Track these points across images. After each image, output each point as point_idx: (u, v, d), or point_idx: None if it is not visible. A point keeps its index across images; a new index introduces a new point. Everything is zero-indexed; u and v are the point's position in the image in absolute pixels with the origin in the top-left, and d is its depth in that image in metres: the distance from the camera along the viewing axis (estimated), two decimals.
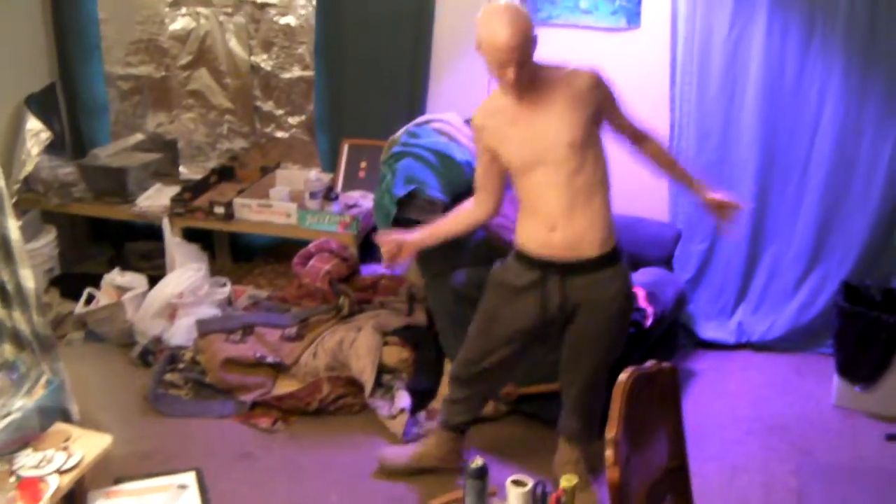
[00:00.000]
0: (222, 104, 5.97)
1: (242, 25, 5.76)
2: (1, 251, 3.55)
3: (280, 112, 5.89)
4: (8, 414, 3.47)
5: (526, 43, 3.32)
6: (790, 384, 4.91)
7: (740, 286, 5.25)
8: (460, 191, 4.48)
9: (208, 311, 5.12)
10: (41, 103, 5.72)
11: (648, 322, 4.34)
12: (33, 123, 5.45)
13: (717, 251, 5.22)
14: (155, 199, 5.63)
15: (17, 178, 5.45)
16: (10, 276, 3.58)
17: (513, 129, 3.51)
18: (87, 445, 3.41)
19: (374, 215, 4.70)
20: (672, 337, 4.94)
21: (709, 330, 5.26)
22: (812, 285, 5.10)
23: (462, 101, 5.26)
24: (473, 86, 5.29)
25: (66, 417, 3.74)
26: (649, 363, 2.67)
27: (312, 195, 5.35)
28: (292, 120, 5.89)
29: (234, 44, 5.81)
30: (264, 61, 5.80)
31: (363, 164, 5.65)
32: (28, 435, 3.45)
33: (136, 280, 5.31)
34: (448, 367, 4.60)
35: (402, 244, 3.78)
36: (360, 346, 4.58)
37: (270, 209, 5.39)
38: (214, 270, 5.60)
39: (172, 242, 5.38)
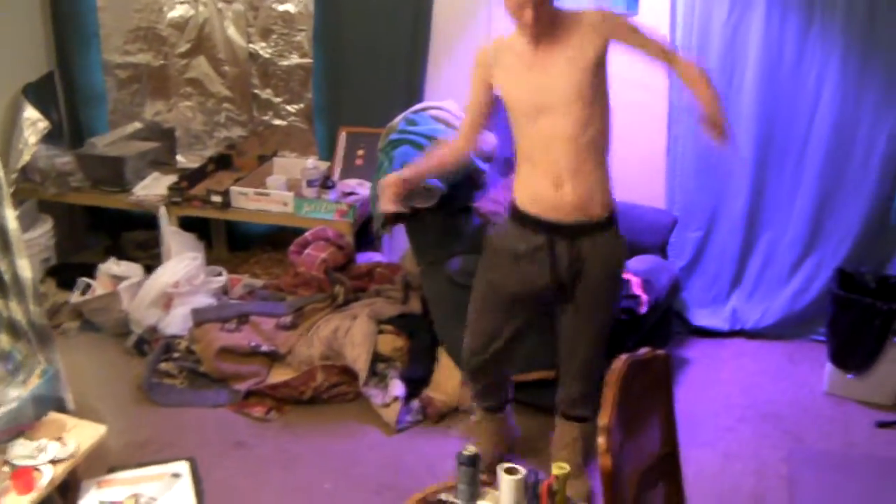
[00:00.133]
0: (220, 92, 5.97)
1: (241, 13, 5.75)
2: None
3: (278, 100, 5.89)
4: (3, 403, 3.48)
5: None
6: (783, 371, 4.93)
7: (734, 273, 5.26)
8: (458, 178, 4.49)
9: (204, 300, 5.13)
10: (39, 92, 5.72)
11: (643, 309, 4.35)
12: (31, 112, 5.45)
13: (712, 238, 5.22)
14: (152, 187, 5.64)
15: (15, 168, 5.45)
16: (7, 265, 3.59)
17: (526, 73, 3.48)
18: (82, 435, 3.42)
19: (370, 203, 4.70)
20: (666, 324, 4.95)
21: (703, 317, 5.27)
22: (806, 272, 5.11)
23: (460, 89, 5.21)
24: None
25: (60, 407, 3.75)
26: (643, 350, 2.68)
27: (309, 183, 5.36)
28: (290, 108, 5.88)
29: (232, 31, 5.80)
30: (263, 49, 5.79)
31: (360, 152, 5.65)
32: (23, 424, 3.45)
33: (131, 269, 5.32)
34: (442, 354, 4.62)
35: (398, 180, 3.78)
36: (354, 334, 4.58)
37: (267, 197, 5.39)
38: (210, 259, 5.61)
39: (169, 231, 5.38)
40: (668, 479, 2.81)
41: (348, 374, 4.58)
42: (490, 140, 4.69)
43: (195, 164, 5.87)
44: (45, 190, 5.62)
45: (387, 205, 3.78)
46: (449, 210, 4.47)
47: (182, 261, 5.20)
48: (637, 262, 4.66)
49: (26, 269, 3.62)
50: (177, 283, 5.08)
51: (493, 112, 3.69)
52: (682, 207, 5.17)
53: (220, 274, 5.40)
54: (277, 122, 5.93)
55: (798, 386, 4.78)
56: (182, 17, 5.86)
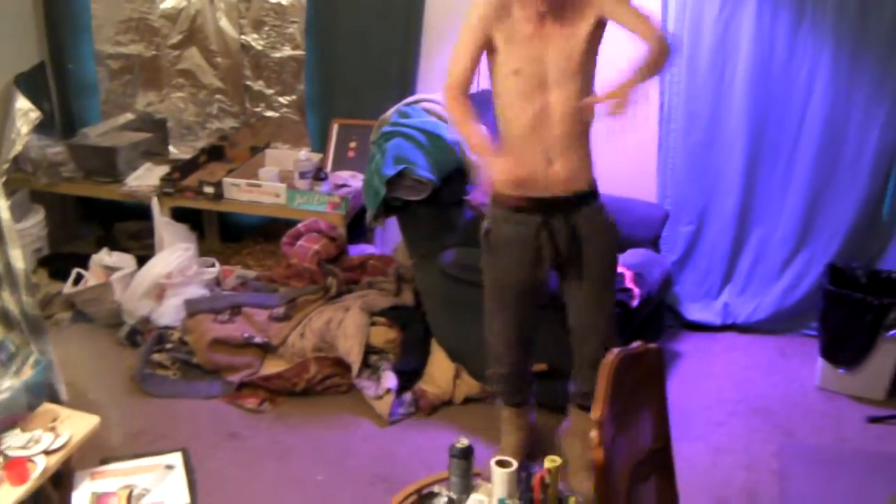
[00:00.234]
0: (212, 83, 5.96)
1: (233, 4, 5.74)
2: None
3: (270, 91, 5.89)
4: None
5: None
6: (775, 366, 4.94)
7: (726, 268, 5.27)
8: (450, 171, 4.49)
9: (196, 291, 5.13)
10: (31, 82, 5.70)
11: (635, 303, 4.36)
12: (23, 103, 5.43)
13: (704, 233, 5.23)
14: (144, 178, 5.62)
15: (7, 158, 5.43)
16: (0, 256, 3.58)
17: (531, 44, 3.44)
18: (75, 426, 3.41)
19: (363, 195, 4.70)
20: (658, 318, 4.96)
21: (695, 311, 5.28)
22: (798, 267, 5.12)
23: None
24: None
25: (53, 398, 3.74)
26: (635, 344, 2.68)
27: (302, 175, 5.35)
28: (282, 99, 5.88)
29: (224, 22, 5.80)
30: (255, 40, 5.78)
31: (353, 144, 5.65)
32: (16, 415, 3.44)
33: (124, 260, 5.32)
34: (435, 347, 4.63)
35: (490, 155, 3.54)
36: (347, 326, 4.59)
37: (259, 189, 5.39)
38: (203, 250, 5.60)
39: (161, 222, 5.37)
40: (660, 472, 2.82)
41: (341, 365, 4.58)
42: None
43: (187, 156, 5.86)
44: (36, 180, 5.61)
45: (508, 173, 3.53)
46: (441, 203, 4.48)
47: (174, 252, 5.20)
48: (629, 256, 4.67)
49: (18, 259, 3.61)
50: (169, 274, 5.07)
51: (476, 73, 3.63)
52: (674, 202, 5.18)
53: (212, 265, 5.40)
54: (270, 113, 5.93)
55: (789, 380, 4.80)
56: (174, 8, 5.85)
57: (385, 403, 4.41)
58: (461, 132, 3.64)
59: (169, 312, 4.99)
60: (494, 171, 3.44)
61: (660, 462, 2.81)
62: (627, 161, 4.99)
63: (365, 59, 5.56)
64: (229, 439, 4.27)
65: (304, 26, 5.64)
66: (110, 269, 5.23)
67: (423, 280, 4.64)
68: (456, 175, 4.57)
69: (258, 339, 4.72)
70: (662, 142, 5.14)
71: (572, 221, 3.60)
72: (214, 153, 5.88)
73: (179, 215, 5.54)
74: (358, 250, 5.40)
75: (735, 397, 4.64)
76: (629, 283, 4.40)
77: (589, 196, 3.64)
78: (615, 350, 2.56)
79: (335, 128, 5.68)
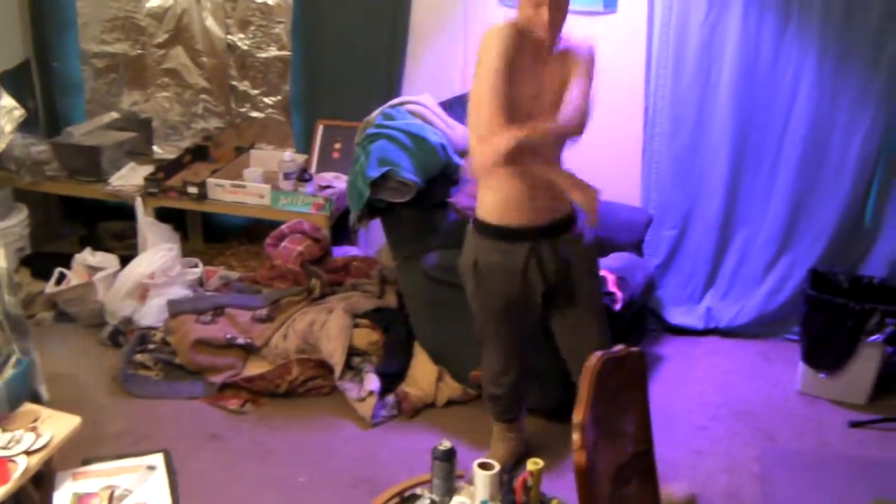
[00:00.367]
0: (198, 83, 5.95)
1: (219, 4, 5.72)
2: None
3: (256, 92, 5.88)
4: None
5: None
6: (757, 370, 4.95)
7: (709, 272, 5.28)
8: (434, 173, 4.50)
9: (179, 291, 5.12)
10: (15, 80, 5.67)
11: (617, 307, 4.36)
12: (6, 101, 5.39)
13: (688, 237, 5.24)
14: (128, 178, 5.62)
15: None
16: None
17: (527, 79, 3.45)
18: (56, 426, 3.40)
19: (347, 197, 4.70)
20: (641, 322, 4.97)
21: (677, 315, 5.29)
22: (780, 272, 5.13)
23: (438, 83, 5.27)
24: (450, 68, 5.31)
25: (35, 398, 3.73)
26: (618, 347, 2.70)
27: (286, 176, 5.35)
28: (268, 100, 5.87)
29: (210, 22, 5.78)
30: (241, 40, 5.77)
31: (337, 146, 5.65)
32: None
33: (107, 260, 5.31)
34: (418, 349, 4.63)
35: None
36: (330, 328, 4.58)
37: (244, 190, 5.38)
38: (186, 251, 5.59)
39: (145, 222, 5.36)
40: (642, 476, 2.84)
41: (324, 367, 4.58)
42: (465, 135, 4.71)
43: (172, 155, 5.86)
44: (20, 178, 5.60)
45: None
46: (425, 205, 4.49)
47: (158, 252, 5.19)
48: (612, 260, 4.69)
49: (0, 258, 3.60)
50: (152, 275, 5.07)
51: None
52: (658, 206, 5.19)
53: (195, 265, 5.39)
54: (255, 114, 5.92)
55: (771, 385, 4.81)
56: (160, 7, 5.83)
57: (367, 406, 4.41)
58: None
59: (152, 313, 4.98)
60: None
61: (642, 465, 2.83)
62: (611, 165, 5.00)
63: (351, 61, 5.56)
64: (211, 440, 4.26)
65: (290, 27, 5.64)
66: (93, 269, 5.21)
67: (407, 282, 4.64)
68: (440, 177, 4.58)
69: (241, 341, 4.72)
70: (647, 146, 5.15)
71: (558, 247, 3.62)
72: (199, 153, 5.87)
73: (163, 215, 5.52)
74: (342, 252, 5.40)
75: (717, 401, 4.65)
76: (612, 287, 4.40)
77: (569, 221, 3.65)
78: (597, 353, 2.57)
79: (320, 129, 5.68)
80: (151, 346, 4.84)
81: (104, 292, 5.11)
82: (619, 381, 2.66)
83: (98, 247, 5.52)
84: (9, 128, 5.33)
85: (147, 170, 5.58)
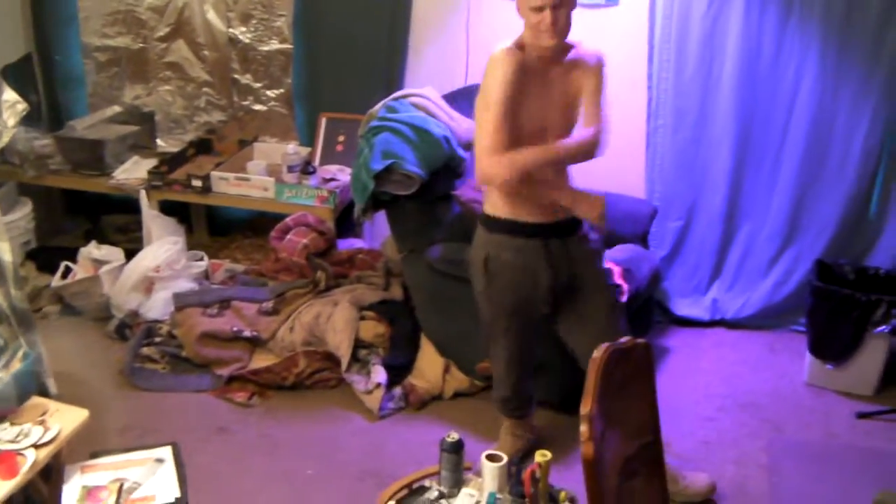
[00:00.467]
0: (200, 76, 5.95)
1: None
2: None
3: (258, 85, 5.88)
4: None
5: None
6: (763, 362, 4.95)
7: (715, 264, 5.28)
8: (438, 166, 4.49)
9: (185, 284, 5.12)
10: (18, 74, 5.67)
11: (623, 298, 4.36)
12: (9, 94, 5.39)
13: (693, 228, 5.24)
14: (132, 171, 5.62)
15: None
16: None
17: (534, 94, 3.46)
18: (64, 419, 3.40)
19: (351, 190, 4.70)
20: (647, 313, 4.97)
21: (683, 307, 5.29)
22: (786, 263, 5.14)
23: (440, 76, 5.27)
24: (452, 60, 5.30)
25: (42, 391, 3.73)
26: (624, 339, 2.69)
27: (290, 169, 5.35)
28: (270, 93, 5.87)
29: (212, 15, 5.78)
30: (242, 34, 5.77)
31: (341, 138, 5.64)
32: (5, 409, 3.43)
33: (112, 253, 5.31)
34: (424, 341, 4.63)
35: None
36: (336, 320, 4.59)
37: (248, 183, 5.38)
38: (191, 244, 5.59)
39: (149, 215, 5.36)
40: (649, 467, 2.83)
41: (330, 360, 4.58)
42: (470, 128, 4.70)
43: (175, 149, 5.86)
44: (24, 173, 5.60)
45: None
46: (429, 198, 4.49)
47: (163, 245, 5.19)
48: (618, 252, 4.68)
49: (6, 252, 3.60)
50: (158, 268, 5.07)
51: None
52: (662, 197, 5.19)
53: (201, 259, 5.40)
54: (257, 107, 5.92)
55: (778, 376, 4.81)
56: (161, 1, 5.84)
57: (374, 398, 4.41)
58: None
59: (157, 306, 4.99)
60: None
61: (649, 457, 2.82)
62: (616, 157, 4.97)
63: (353, 54, 5.55)
64: (219, 433, 4.26)
65: (291, 20, 5.63)
66: (99, 263, 5.22)
67: (412, 274, 4.64)
68: (444, 170, 4.58)
69: (247, 333, 4.72)
70: (650, 138, 5.15)
71: (570, 245, 3.64)
72: (202, 146, 5.87)
73: (167, 209, 5.52)
74: (346, 244, 5.40)
75: (723, 393, 4.65)
76: (618, 279, 4.40)
77: (577, 222, 3.66)
78: (604, 345, 2.57)
79: (323, 122, 5.67)
80: (158, 340, 4.84)
81: (110, 286, 5.11)
82: (626, 373, 2.66)
83: (103, 240, 5.52)
84: (12, 122, 5.33)
85: (151, 163, 5.59)
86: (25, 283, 4.96)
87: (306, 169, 5.35)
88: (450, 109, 4.81)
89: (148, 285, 5.08)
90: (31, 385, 3.59)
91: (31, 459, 3.18)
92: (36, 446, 3.25)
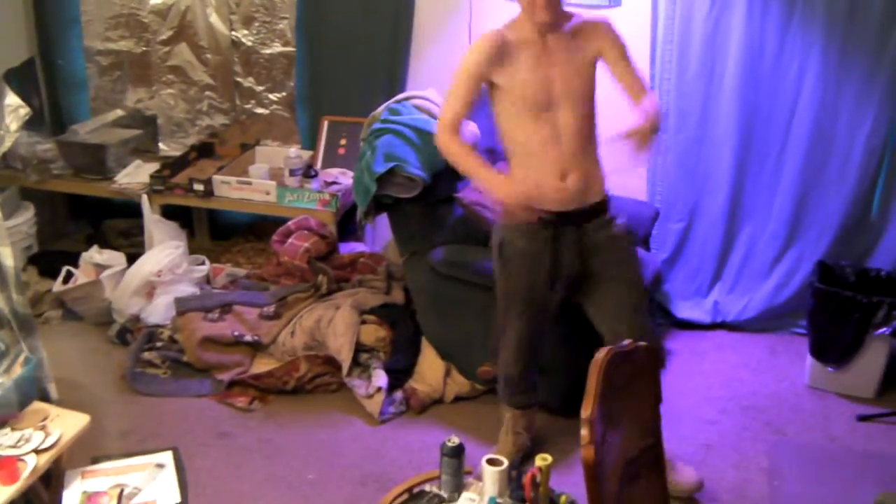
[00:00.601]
0: (202, 80, 5.95)
1: (223, 0, 5.73)
2: None
3: (260, 88, 5.88)
4: None
5: None
6: (764, 364, 4.95)
7: (716, 266, 5.27)
8: (440, 168, 4.49)
9: (187, 289, 5.12)
10: (20, 78, 5.68)
11: None
12: (12, 99, 5.40)
13: (694, 230, 5.23)
14: (134, 175, 5.62)
15: None
16: None
17: (535, 68, 3.50)
18: (65, 424, 3.41)
19: (353, 193, 4.70)
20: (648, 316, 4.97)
21: (684, 309, 5.29)
22: (787, 265, 5.13)
23: (442, 78, 5.23)
24: (454, 62, 5.28)
25: (44, 396, 3.73)
26: (625, 342, 2.69)
27: (292, 172, 5.35)
28: (272, 96, 5.87)
29: (214, 18, 5.78)
30: (245, 36, 5.77)
31: (343, 141, 5.64)
32: (5, 414, 3.44)
33: (114, 258, 5.31)
34: (425, 345, 4.63)
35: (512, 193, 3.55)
36: (337, 324, 4.59)
37: (250, 186, 5.38)
38: (193, 248, 5.59)
39: (151, 220, 5.36)
40: (650, 469, 2.83)
41: (331, 364, 4.58)
42: (473, 130, 4.71)
43: (177, 153, 5.86)
44: (26, 177, 5.60)
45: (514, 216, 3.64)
46: (431, 200, 4.49)
47: (165, 249, 5.19)
48: None
49: (8, 257, 3.61)
50: (159, 272, 5.07)
51: (478, 103, 3.68)
52: (664, 199, 5.19)
53: (202, 263, 5.39)
54: (260, 110, 5.92)
55: (779, 379, 4.81)
56: (164, 4, 5.83)
57: (375, 402, 4.41)
58: (462, 165, 3.61)
59: (159, 311, 4.99)
60: (503, 196, 3.46)
61: (650, 459, 2.82)
62: (617, 159, 4.98)
63: (355, 56, 5.56)
64: (220, 438, 4.26)
65: (294, 23, 5.63)
66: (100, 267, 5.22)
67: (414, 278, 4.64)
68: (446, 172, 4.56)
69: (248, 338, 4.72)
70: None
71: (584, 235, 3.64)
72: (204, 150, 5.87)
73: (169, 213, 5.53)
74: (348, 248, 5.40)
75: (725, 395, 4.64)
76: None
77: (603, 205, 3.68)
78: (605, 348, 2.56)
79: (325, 125, 5.67)
80: (159, 344, 4.84)
81: (111, 290, 5.11)
82: (627, 376, 2.66)
83: (105, 245, 5.53)
84: (14, 126, 5.34)
85: (153, 167, 5.59)
86: (27, 288, 4.96)
87: (308, 172, 5.35)
88: None
89: (149, 290, 5.08)
90: (32, 390, 3.60)
91: (31, 465, 3.19)
92: (37, 451, 3.26)
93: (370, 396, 4.43)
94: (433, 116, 4.69)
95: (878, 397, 4.61)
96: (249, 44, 5.77)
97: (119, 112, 6.09)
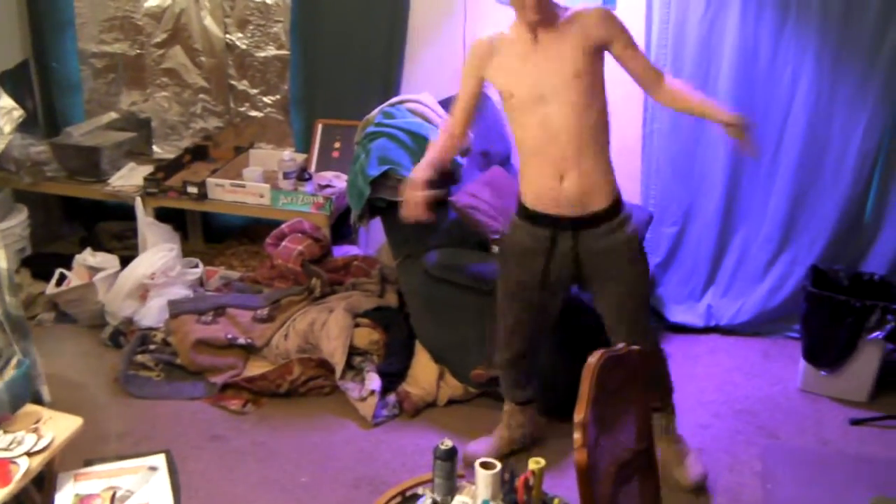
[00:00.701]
0: (197, 83, 5.95)
1: (218, 3, 5.73)
2: None
3: (254, 91, 5.88)
4: None
5: None
6: (757, 368, 4.95)
7: (710, 270, 5.28)
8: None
9: (180, 291, 5.12)
10: (14, 81, 5.69)
11: None
12: (6, 101, 5.38)
13: (688, 234, 5.24)
14: (128, 178, 5.62)
15: None
16: None
17: (525, 65, 3.50)
18: (58, 427, 3.40)
19: (347, 196, 4.70)
20: None
21: (678, 313, 5.29)
22: (781, 269, 5.13)
23: (437, 82, 5.27)
24: (448, 66, 5.30)
25: (36, 399, 3.73)
26: (618, 345, 2.69)
27: (286, 175, 5.35)
28: (267, 99, 5.87)
29: (209, 21, 5.78)
30: (239, 40, 5.77)
31: (337, 145, 5.64)
32: None
33: (107, 260, 5.31)
34: (419, 349, 4.63)
35: (413, 183, 3.75)
36: (331, 327, 4.58)
37: (244, 189, 5.38)
38: (186, 251, 5.59)
39: (145, 222, 5.36)
40: (643, 473, 2.83)
41: (325, 367, 4.58)
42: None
43: (171, 155, 5.86)
44: (19, 179, 5.60)
45: (416, 212, 3.76)
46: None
47: (158, 252, 5.19)
48: None
49: (1, 259, 3.60)
50: (153, 275, 5.07)
51: (482, 105, 3.70)
52: (658, 203, 5.19)
53: (196, 266, 5.39)
54: (254, 113, 5.92)
55: (772, 382, 4.81)
56: (158, 7, 5.83)
57: (369, 405, 4.40)
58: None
59: (152, 313, 4.98)
60: (402, 189, 3.76)
61: (643, 463, 2.82)
62: (612, 162, 4.99)
63: (349, 60, 5.56)
64: (213, 441, 4.26)
65: (288, 26, 5.64)
66: (94, 270, 5.21)
67: (407, 281, 4.64)
68: (440, 176, 4.56)
69: (242, 341, 4.72)
70: (646, 143, 5.15)
71: (581, 243, 3.61)
72: (198, 153, 5.87)
73: (163, 215, 5.52)
74: (342, 251, 5.40)
75: (718, 399, 4.64)
76: None
77: (607, 213, 3.62)
78: (598, 351, 2.56)
79: (319, 128, 5.67)
80: (152, 347, 4.84)
81: (104, 293, 5.11)
82: (621, 380, 2.66)
83: (98, 247, 5.53)
84: (8, 128, 5.32)
85: (146, 170, 5.58)
86: (20, 290, 4.95)
87: (302, 175, 5.34)
88: (446, 115, 4.80)
89: (143, 292, 5.08)
90: (25, 392, 3.59)
91: (24, 467, 3.18)
92: (29, 454, 3.25)
93: (363, 399, 4.42)
94: (427, 120, 4.69)
95: (871, 401, 4.61)
96: (244, 47, 5.77)
97: (113, 115, 6.08)
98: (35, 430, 3.37)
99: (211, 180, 5.40)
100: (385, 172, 4.35)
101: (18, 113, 5.26)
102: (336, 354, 4.50)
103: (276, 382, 4.55)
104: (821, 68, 4.76)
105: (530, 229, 3.66)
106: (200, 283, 5.35)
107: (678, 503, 3.85)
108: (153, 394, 4.60)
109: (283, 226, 5.23)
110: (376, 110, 4.79)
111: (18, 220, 5.60)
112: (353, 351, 4.57)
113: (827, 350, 4.59)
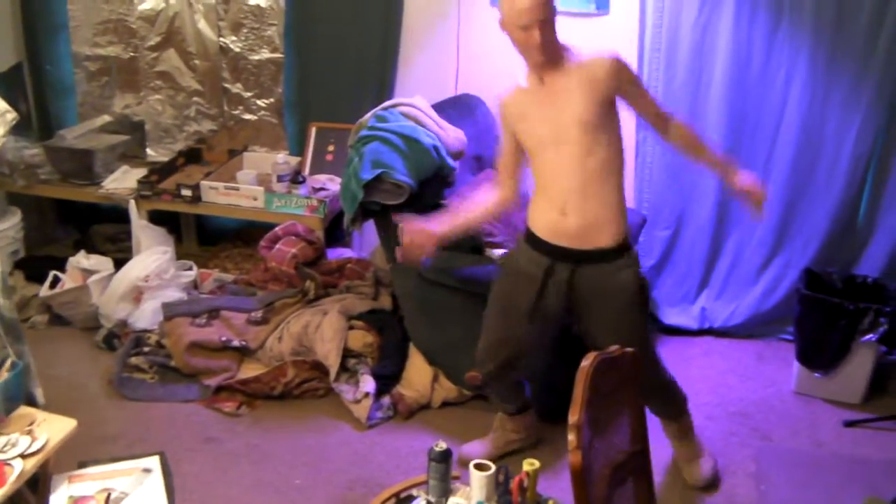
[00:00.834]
0: (190, 86, 5.95)
1: (212, 6, 5.73)
2: None
3: (248, 94, 5.88)
4: None
5: (547, 1, 3.32)
6: (751, 370, 4.96)
7: (703, 272, 5.29)
8: (427, 175, 4.50)
9: (174, 294, 5.12)
10: (7, 83, 5.68)
11: None
12: None
13: (681, 237, 5.24)
14: (121, 181, 5.61)
15: None
16: None
17: (534, 109, 3.49)
18: (52, 429, 3.40)
19: (340, 199, 4.70)
20: None
21: (672, 316, 5.30)
22: (774, 272, 5.14)
23: (430, 85, 5.28)
24: (442, 70, 5.31)
25: (30, 401, 3.72)
26: (612, 348, 2.70)
27: (280, 178, 5.34)
28: (260, 102, 5.88)
29: (203, 24, 5.79)
30: (233, 43, 5.78)
31: (331, 148, 5.64)
32: None
33: (101, 263, 5.30)
34: (413, 351, 4.63)
35: (428, 235, 3.71)
36: (325, 330, 4.58)
37: (237, 192, 5.37)
38: (181, 254, 5.59)
39: (139, 225, 5.36)
40: (637, 475, 2.84)
41: (319, 369, 4.58)
42: (460, 137, 4.72)
43: (165, 158, 5.86)
44: (13, 182, 5.59)
45: (404, 252, 3.79)
46: (418, 207, 4.48)
47: (152, 255, 5.19)
48: None
49: None
50: (147, 278, 5.06)
51: (524, 156, 3.66)
52: (651, 206, 5.20)
53: (190, 268, 5.39)
54: (248, 116, 5.93)
55: (766, 385, 4.82)
56: (152, 10, 5.83)
57: (363, 407, 4.40)
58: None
59: (146, 316, 4.98)
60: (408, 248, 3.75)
61: (637, 465, 2.83)
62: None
63: (343, 63, 5.56)
64: (207, 443, 4.26)
65: (282, 29, 5.64)
66: (87, 272, 5.21)
67: (401, 284, 4.64)
68: (433, 179, 4.58)
69: (236, 343, 4.71)
70: (640, 146, 5.16)
71: (577, 278, 3.57)
72: (192, 156, 5.87)
73: (157, 218, 5.52)
74: (336, 254, 5.40)
75: (712, 401, 4.65)
76: None
77: (611, 252, 3.56)
78: (592, 354, 2.57)
79: (313, 131, 5.67)
80: (146, 349, 4.83)
81: (98, 295, 5.10)
82: (614, 382, 2.67)
83: (92, 250, 5.52)
84: (1, 131, 5.31)
85: (140, 173, 5.58)
86: (14, 293, 4.96)
87: (296, 178, 5.35)
88: (439, 119, 4.81)
89: (137, 295, 5.07)
90: (19, 395, 3.58)
91: (18, 469, 3.18)
92: (23, 456, 3.25)
93: (358, 402, 4.42)
94: (420, 123, 4.69)
95: (865, 403, 4.62)
96: (238, 50, 5.77)
97: (107, 117, 6.08)
98: (29, 433, 3.36)
99: (205, 183, 5.40)
100: (378, 176, 4.35)
101: (12, 115, 5.25)
102: (330, 357, 4.50)
103: (271, 385, 4.55)
104: (814, 71, 4.77)
105: (531, 254, 3.63)
106: (194, 285, 5.34)
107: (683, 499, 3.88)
108: (147, 396, 4.59)
109: (277, 228, 5.22)
110: (369, 114, 4.79)
111: (12, 222, 5.59)
112: (347, 353, 4.57)
113: (820, 352, 4.59)
